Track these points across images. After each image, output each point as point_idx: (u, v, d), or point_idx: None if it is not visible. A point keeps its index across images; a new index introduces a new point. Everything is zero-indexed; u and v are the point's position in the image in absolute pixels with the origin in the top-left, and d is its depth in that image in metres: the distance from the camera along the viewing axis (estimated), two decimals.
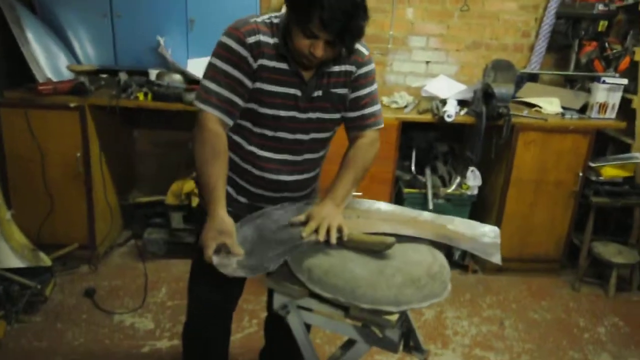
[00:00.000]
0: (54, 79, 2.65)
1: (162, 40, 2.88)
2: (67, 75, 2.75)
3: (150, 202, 3.07)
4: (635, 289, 2.90)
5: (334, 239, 1.34)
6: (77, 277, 2.68)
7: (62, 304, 2.45)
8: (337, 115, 1.51)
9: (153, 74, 2.81)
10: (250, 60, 1.34)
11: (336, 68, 1.44)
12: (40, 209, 2.67)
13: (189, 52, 3.00)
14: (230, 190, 1.51)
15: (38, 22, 2.78)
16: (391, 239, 1.37)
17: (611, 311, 2.70)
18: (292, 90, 1.40)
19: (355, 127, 1.53)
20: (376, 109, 1.54)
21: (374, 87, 1.54)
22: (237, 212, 1.46)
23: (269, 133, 1.44)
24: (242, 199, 1.54)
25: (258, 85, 1.37)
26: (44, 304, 2.41)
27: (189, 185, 2.81)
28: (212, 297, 1.60)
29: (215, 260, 1.31)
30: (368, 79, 1.50)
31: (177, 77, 2.74)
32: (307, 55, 1.32)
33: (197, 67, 2.92)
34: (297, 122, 1.44)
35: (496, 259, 1.43)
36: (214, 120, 1.35)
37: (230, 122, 1.39)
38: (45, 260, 2.49)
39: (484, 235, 1.54)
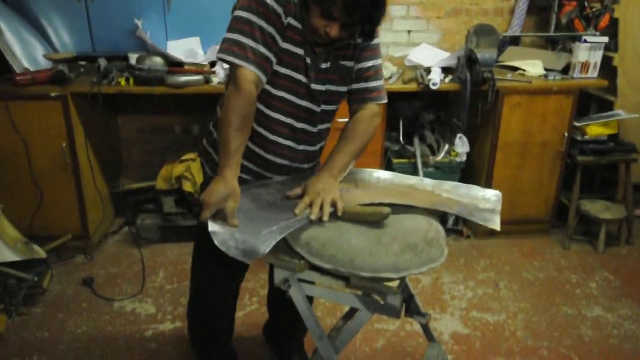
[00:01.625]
0: (32, 69, 2.59)
1: (139, 23, 2.82)
2: (45, 64, 2.69)
3: (140, 188, 3.05)
4: (623, 243, 2.98)
5: (326, 216, 1.33)
6: (73, 268, 2.67)
7: (60, 294, 2.45)
8: (344, 88, 1.51)
9: (133, 58, 2.75)
10: (283, 16, 1.31)
11: (345, 41, 1.44)
12: (29, 201, 2.64)
13: (168, 34, 2.95)
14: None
15: (9, 11, 2.70)
16: (387, 209, 1.38)
17: (601, 266, 2.78)
18: (304, 56, 1.39)
19: (358, 100, 1.54)
20: (379, 84, 1.55)
21: (379, 61, 1.53)
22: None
23: (284, 95, 1.42)
24: (252, 166, 1.51)
25: (284, 45, 1.35)
26: (42, 296, 2.41)
27: (179, 169, 2.79)
28: (218, 274, 1.60)
29: (210, 225, 1.28)
30: (374, 51, 1.50)
31: (158, 60, 2.69)
32: (322, 34, 1.32)
33: (177, 49, 2.88)
34: (306, 89, 1.43)
35: (494, 224, 1.43)
36: (252, 78, 1.30)
37: (265, 80, 1.35)
38: (40, 252, 2.48)
39: (484, 200, 1.54)
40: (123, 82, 2.62)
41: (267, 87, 1.40)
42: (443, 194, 1.57)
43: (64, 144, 2.58)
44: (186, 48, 2.90)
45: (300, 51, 1.38)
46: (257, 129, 1.46)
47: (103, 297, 2.42)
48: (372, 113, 1.54)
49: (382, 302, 1.33)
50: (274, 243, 1.25)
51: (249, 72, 1.30)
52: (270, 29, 1.31)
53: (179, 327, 2.23)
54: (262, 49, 1.30)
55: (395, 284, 1.31)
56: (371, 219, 1.41)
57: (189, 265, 2.66)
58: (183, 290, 2.48)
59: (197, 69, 2.69)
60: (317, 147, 1.60)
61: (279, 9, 1.30)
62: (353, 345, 2.14)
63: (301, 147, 1.52)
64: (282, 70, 1.39)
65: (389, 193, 1.54)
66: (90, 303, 2.39)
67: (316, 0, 1.27)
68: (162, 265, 2.71)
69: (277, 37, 1.32)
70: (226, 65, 1.79)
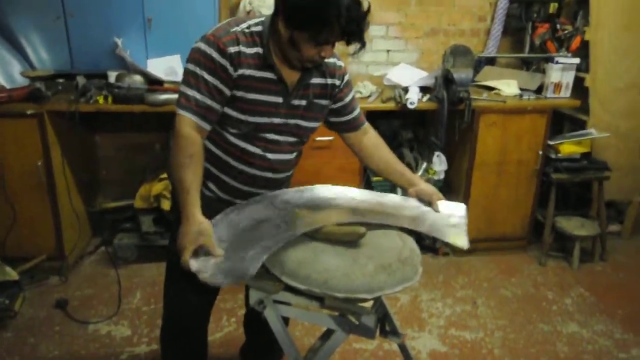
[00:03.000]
0: (8, 87, 2.56)
1: (119, 41, 2.81)
2: (21, 81, 2.66)
3: (118, 207, 3.02)
4: (597, 259, 3.04)
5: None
6: (47, 289, 2.62)
7: (33, 317, 2.39)
8: (315, 124, 1.56)
9: (112, 76, 2.74)
10: (231, 70, 1.34)
11: (320, 80, 1.50)
12: (2, 221, 2.59)
13: (148, 52, 2.95)
14: (216, 189, 1.52)
15: None
16: (362, 229, 1.40)
17: (576, 282, 2.82)
18: (274, 98, 1.42)
19: (353, 128, 1.66)
20: (360, 110, 1.68)
21: (353, 91, 1.66)
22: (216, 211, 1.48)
23: (255, 134, 1.45)
24: (226, 197, 1.54)
25: (240, 94, 1.38)
26: (13, 319, 2.35)
27: (157, 187, 2.78)
28: (188, 300, 1.59)
29: (193, 266, 1.28)
30: (349, 87, 1.62)
31: (138, 78, 2.69)
32: (317, 59, 1.37)
33: (157, 67, 2.87)
34: (276, 126, 1.46)
35: (462, 243, 1.48)
36: (190, 124, 1.36)
37: (207, 128, 1.39)
38: (12, 274, 2.43)
39: (450, 216, 1.58)
40: (101, 100, 2.61)
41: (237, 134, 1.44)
42: (411, 211, 1.59)
43: (39, 162, 2.55)
44: (166, 66, 2.90)
45: (265, 97, 1.41)
46: (238, 165, 1.48)
47: (77, 319, 2.37)
48: (372, 131, 1.70)
49: (357, 323, 1.34)
50: (260, 263, 1.26)
51: (188, 120, 1.35)
52: (216, 82, 1.35)
53: (155, 350, 2.19)
54: (206, 100, 1.36)
55: (369, 304, 1.31)
56: (347, 238, 1.41)
57: None
58: (160, 312, 2.39)
59: (177, 87, 2.68)
60: (288, 174, 1.63)
61: (225, 62, 1.33)
62: None
63: (279, 176, 1.57)
64: (254, 119, 1.42)
65: (363, 213, 1.55)
66: (64, 326, 2.34)
67: (310, 33, 1.29)
68: (139, 286, 2.67)
69: (223, 87, 1.36)
70: None
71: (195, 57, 1.35)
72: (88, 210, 3.03)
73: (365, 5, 1.30)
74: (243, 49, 1.35)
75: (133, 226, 2.93)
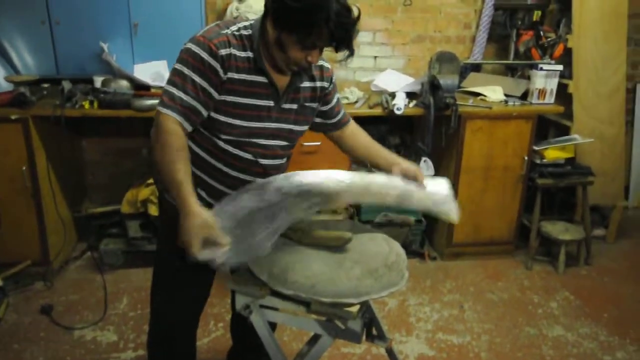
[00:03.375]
0: None
1: (105, 46, 2.80)
2: (6, 86, 2.64)
3: (104, 212, 2.99)
4: (582, 263, 3.07)
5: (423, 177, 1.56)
6: (32, 295, 2.59)
7: (17, 323, 2.36)
8: (305, 127, 1.57)
9: (98, 81, 2.73)
10: (221, 72, 1.33)
11: (310, 84, 1.50)
12: None
13: (135, 58, 2.94)
14: (205, 195, 1.49)
15: None
16: (348, 234, 1.40)
17: (562, 286, 2.85)
18: (265, 102, 1.41)
19: (339, 126, 1.69)
20: (344, 110, 1.71)
21: (337, 93, 1.68)
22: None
23: (247, 140, 1.43)
24: (212, 201, 1.51)
25: (230, 98, 1.37)
26: None
27: (145, 192, 2.76)
28: (177, 306, 1.59)
29: (204, 255, 1.27)
30: (335, 89, 1.63)
31: (124, 83, 2.68)
32: (303, 64, 1.36)
33: (144, 72, 2.86)
34: (268, 130, 1.45)
35: (453, 217, 1.57)
36: (174, 121, 1.33)
37: (189, 129, 1.37)
38: None
39: (436, 192, 1.59)
40: (87, 105, 2.59)
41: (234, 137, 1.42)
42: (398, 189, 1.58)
43: (24, 168, 2.53)
44: (153, 71, 2.89)
45: (256, 102, 1.40)
46: (229, 171, 1.47)
47: (62, 325, 2.35)
48: (352, 123, 1.72)
49: (343, 327, 1.34)
50: (274, 239, 1.31)
51: (172, 117, 1.32)
52: (204, 83, 1.33)
53: (142, 356, 2.17)
54: (191, 101, 1.33)
55: (355, 308, 1.32)
56: (333, 243, 1.42)
57: None
58: (147, 317, 2.38)
59: None
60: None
61: (215, 64, 1.32)
62: None
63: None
64: (246, 123, 1.41)
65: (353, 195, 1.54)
66: (49, 332, 2.31)
67: (298, 35, 1.29)
68: (126, 292, 2.65)
69: (211, 90, 1.34)
70: None
71: (184, 57, 1.33)
72: (74, 216, 3.00)
73: (355, 12, 1.30)
74: (234, 51, 1.34)
75: (120, 231, 2.91)
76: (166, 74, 2.91)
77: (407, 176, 1.55)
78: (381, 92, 3.03)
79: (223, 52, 1.32)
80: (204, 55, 1.31)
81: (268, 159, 1.50)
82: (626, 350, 2.32)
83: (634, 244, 3.36)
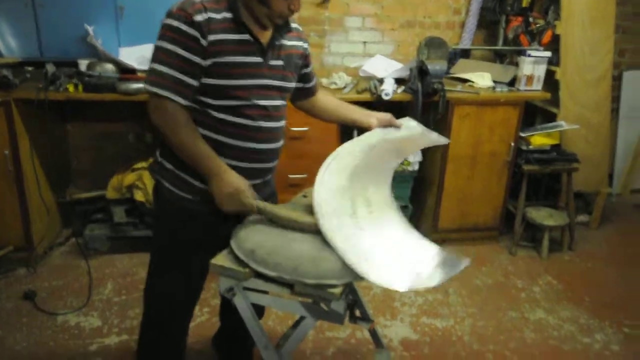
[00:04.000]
0: None
1: (90, 29, 2.76)
2: None
3: (89, 197, 2.96)
4: (565, 248, 3.11)
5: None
6: (15, 280, 2.57)
7: None
8: (293, 84, 1.59)
9: (83, 64, 2.69)
10: (201, 39, 1.33)
11: (293, 42, 1.54)
12: None
13: (121, 41, 2.90)
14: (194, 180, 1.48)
15: None
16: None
17: (545, 271, 2.88)
18: (253, 58, 1.42)
19: (314, 90, 1.75)
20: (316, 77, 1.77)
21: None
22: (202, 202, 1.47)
23: (244, 103, 1.43)
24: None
25: (217, 60, 1.36)
26: None
27: (130, 177, 2.74)
28: (175, 296, 1.59)
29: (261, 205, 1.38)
30: (310, 55, 1.68)
31: (110, 66, 2.64)
32: (286, 13, 1.39)
33: (130, 55, 2.82)
34: (263, 89, 1.46)
35: (443, 139, 1.72)
36: (171, 100, 1.34)
37: (184, 103, 1.37)
38: None
39: (412, 128, 1.70)
40: (72, 89, 2.56)
41: (235, 101, 1.42)
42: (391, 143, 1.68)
43: (6, 152, 2.49)
44: (139, 55, 2.85)
45: (247, 59, 1.40)
46: (231, 141, 1.46)
47: (45, 311, 2.33)
48: (323, 93, 1.80)
49: (327, 309, 1.34)
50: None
51: (168, 97, 1.34)
52: (187, 54, 1.33)
53: (125, 341, 2.17)
54: (179, 75, 1.34)
55: (339, 290, 1.32)
56: (305, 228, 1.41)
57: (139, 276, 2.62)
58: (131, 303, 2.42)
59: None
60: (280, 144, 1.60)
61: (194, 32, 1.32)
62: (303, 354, 2.14)
63: (274, 146, 1.56)
64: (237, 82, 1.41)
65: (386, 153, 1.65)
66: (32, 317, 2.30)
67: None
68: (111, 277, 2.64)
69: (196, 59, 1.34)
70: None
71: (164, 33, 1.34)
72: (58, 201, 2.97)
73: None
74: (212, 15, 1.35)
75: (105, 217, 2.89)
76: None
77: (384, 124, 1.65)
78: (370, 78, 3.02)
79: (199, 18, 1.32)
80: (182, 26, 1.32)
81: (268, 121, 1.49)
82: (605, 332, 2.37)
83: (616, 230, 3.41)
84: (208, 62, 1.36)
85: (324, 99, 1.78)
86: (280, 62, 1.49)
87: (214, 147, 1.45)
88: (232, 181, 1.38)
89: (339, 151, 1.56)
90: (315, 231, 1.37)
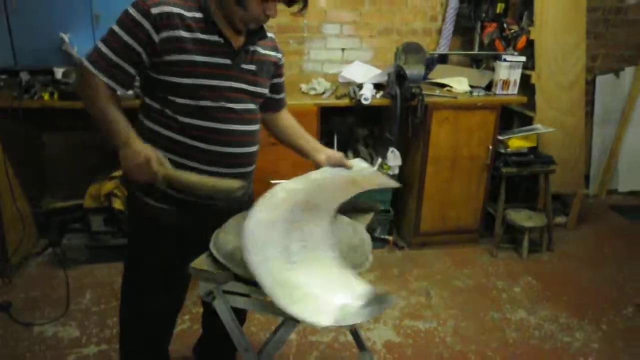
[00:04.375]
0: None
1: (66, 37, 2.73)
2: None
3: (66, 207, 2.91)
4: (544, 249, 3.15)
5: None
6: None
7: None
8: (265, 90, 1.56)
9: (59, 72, 2.66)
10: (152, 31, 1.32)
11: (269, 52, 1.54)
12: None
13: None
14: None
15: None
16: (238, 183, 1.41)
17: (525, 271, 2.92)
18: (220, 60, 1.41)
19: (278, 107, 1.72)
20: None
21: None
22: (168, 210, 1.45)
23: (213, 104, 1.41)
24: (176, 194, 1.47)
25: (175, 57, 1.35)
26: None
27: (108, 186, 2.70)
28: (160, 309, 1.57)
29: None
30: (283, 67, 1.67)
31: None
32: (262, 19, 1.39)
33: None
34: (235, 91, 1.44)
35: (394, 183, 1.72)
36: (99, 80, 1.34)
37: (116, 88, 1.37)
38: None
39: (363, 169, 1.70)
40: (47, 97, 2.52)
41: (200, 101, 1.40)
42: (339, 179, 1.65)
43: None
44: None
45: (213, 60, 1.40)
46: (204, 145, 1.44)
47: (21, 322, 2.28)
48: (289, 114, 1.77)
49: None
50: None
51: (97, 76, 1.34)
52: (134, 43, 1.33)
53: (105, 350, 2.13)
54: (118, 60, 1.34)
55: None
56: (222, 194, 1.41)
57: (118, 285, 2.55)
58: (111, 312, 2.38)
59: None
60: (253, 148, 1.57)
61: (146, 24, 1.32)
62: (287, 359, 2.12)
63: (246, 150, 1.53)
64: (196, 81, 1.39)
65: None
66: (7, 329, 2.24)
67: None
68: (90, 287, 2.59)
69: (138, 48, 1.34)
70: None
71: (120, 17, 1.36)
72: (34, 211, 2.91)
73: None
74: (178, 11, 1.35)
75: (82, 226, 2.84)
76: None
77: (333, 162, 1.63)
78: (349, 83, 3.04)
79: (156, 10, 1.32)
80: (136, 14, 1.32)
81: (240, 124, 1.47)
82: (584, 330, 2.40)
83: (593, 230, 3.47)
84: (162, 57, 1.35)
85: (288, 119, 1.74)
86: (252, 67, 1.48)
87: (186, 152, 1.43)
88: (140, 150, 1.31)
89: (283, 186, 1.53)
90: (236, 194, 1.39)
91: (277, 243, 1.30)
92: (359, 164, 1.71)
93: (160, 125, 1.42)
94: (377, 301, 1.20)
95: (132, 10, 1.33)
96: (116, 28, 1.35)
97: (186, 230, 1.48)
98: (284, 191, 1.49)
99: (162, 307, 1.59)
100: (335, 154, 1.65)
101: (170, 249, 1.50)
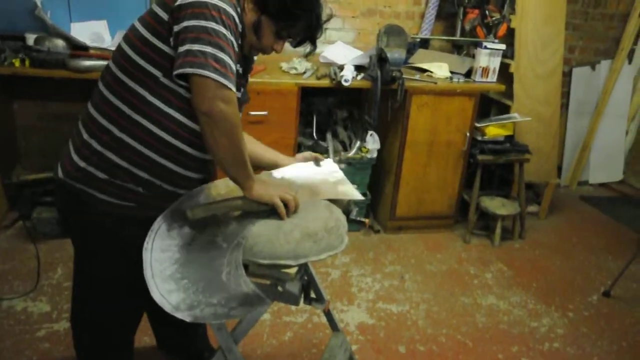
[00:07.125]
0: None
1: (39, 2, 2.62)
2: None
3: (38, 179, 2.84)
4: (516, 237, 3.22)
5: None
6: None
7: None
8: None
9: (31, 38, 2.56)
10: (239, 24, 1.25)
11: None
12: None
13: (72, 16, 2.77)
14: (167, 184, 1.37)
15: None
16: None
17: (497, 258, 2.98)
18: (239, 67, 1.36)
19: (244, 100, 1.62)
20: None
21: None
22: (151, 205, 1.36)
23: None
24: (171, 188, 1.39)
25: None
26: None
27: None
28: (125, 313, 1.51)
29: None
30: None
31: (60, 42, 2.53)
32: (267, 51, 1.37)
33: (82, 32, 2.71)
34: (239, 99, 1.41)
35: (358, 195, 1.61)
36: (235, 99, 1.20)
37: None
38: None
39: (332, 172, 1.66)
40: (18, 64, 2.44)
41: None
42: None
43: None
44: (92, 32, 2.75)
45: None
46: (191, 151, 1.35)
47: None
48: None
49: (282, 290, 1.34)
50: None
51: (234, 94, 1.20)
52: (236, 45, 1.23)
53: None
54: (235, 67, 1.23)
55: (293, 270, 1.32)
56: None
57: None
58: None
59: (103, 53, 2.56)
60: None
61: (238, 21, 1.24)
62: (260, 339, 2.13)
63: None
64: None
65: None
66: None
67: (280, 25, 1.30)
68: (61, 262, 2.55)
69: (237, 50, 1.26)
70: None
71: (215, 15, 1.15)
72: (4, 183, 2.83)
73: (328, 13, 1.36)
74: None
75: (54, 200, 2.77)
76: (106, 35, 2.77)
77: (303, 158, 1.63)
78: (330, 64, 3.01)
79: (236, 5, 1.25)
80: (230, 10, 1.18)
81: None
82: (551, 316, 2.47)
83: (563, 220, 3.56)
84: None
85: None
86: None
87: (184, 159, 1.35)
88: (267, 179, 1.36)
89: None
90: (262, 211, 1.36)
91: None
92: (330, 165, 1.67)
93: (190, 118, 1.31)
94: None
95: (224, 5, 1.16)
96: (224, 30, 1.15)
97: (147, 224, 1.35)
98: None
99: (128, 311, 1.51)
100: (305, 154, 1.64)
101: (133, 246, 1.31)
